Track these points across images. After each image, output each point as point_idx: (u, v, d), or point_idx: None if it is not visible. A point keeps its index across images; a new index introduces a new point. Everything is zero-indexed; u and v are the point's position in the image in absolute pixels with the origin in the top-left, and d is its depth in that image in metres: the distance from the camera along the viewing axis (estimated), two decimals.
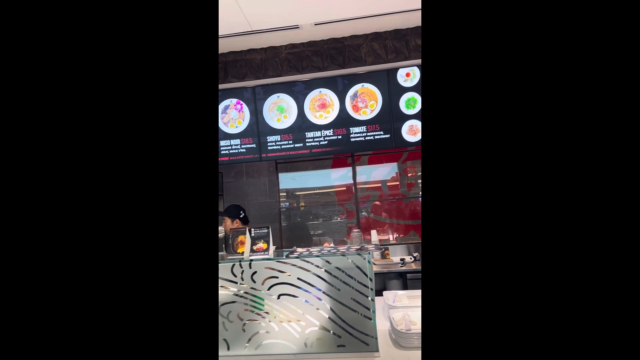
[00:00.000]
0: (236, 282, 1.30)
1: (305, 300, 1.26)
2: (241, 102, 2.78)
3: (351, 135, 2.68)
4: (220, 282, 1.31)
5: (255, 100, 2.76)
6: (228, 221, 2.35)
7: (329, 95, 2.70)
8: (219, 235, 2.70)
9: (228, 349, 1.27)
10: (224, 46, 2.60)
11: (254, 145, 2.80)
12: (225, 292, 1.31)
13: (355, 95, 2.67)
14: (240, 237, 1.50)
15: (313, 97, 2.71)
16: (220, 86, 2.76)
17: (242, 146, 2.82)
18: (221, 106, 2.80)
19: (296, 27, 2.34)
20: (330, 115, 2.70)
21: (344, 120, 2.68)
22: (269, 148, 2.79)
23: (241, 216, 2.34)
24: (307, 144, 2.75)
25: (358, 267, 1.24)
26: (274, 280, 1.29)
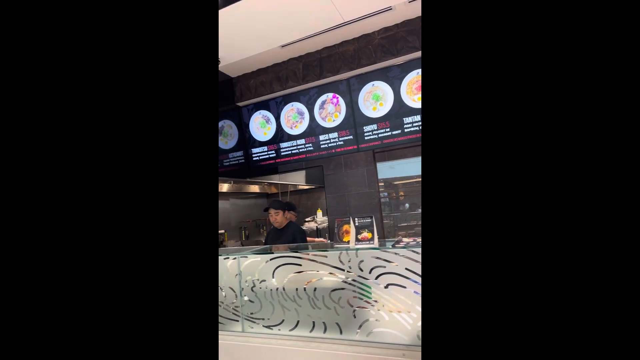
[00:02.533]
0: (343, 270, 1.35)
1: (415, 291, 1.22)
2: (337, 95, 2.84)
3: None
4: (329, 269, 1.38)
5: (350, 91, 2.78)
6: (280, 213, 2.50)
7: None
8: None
9: (341, 332, 1.33)
10: (318, 43, 2.69)
11: (351, 137, 2.83)
12: (334, 278, 1.37)
13: None
14: (345, 227, 1.54)
15: (410, 79, 2.57)
16: (316, 82, 2.87)
17: (340, 139, 2.88)
18: (318, 101, 2.92)
19: (389, 8, 2.24)
20: None
21: None
22: (366, 138, 2.77)
23: (287, 208, 2.54)
24: (406, 130, 2.62)
25: None
26: (381, 270, 1.28)
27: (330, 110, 2.89)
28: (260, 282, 1.45)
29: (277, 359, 1.32)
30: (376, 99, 2.70)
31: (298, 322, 1.38)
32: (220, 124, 3.27)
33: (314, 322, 1.37)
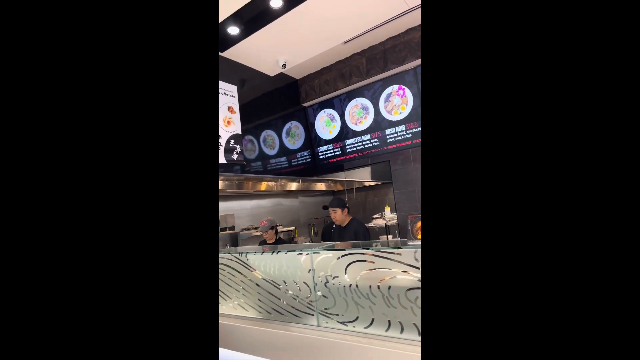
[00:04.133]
0: (419, 268, 1.28)
1: None
2: (403, 86, 2.72)
3: None
4: (403, 267, 1.32)
5: (417, 81, 2.63)
6: (339, 211, 2.43)
7: None
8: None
9: (419, 334, 1.26)
10: (381, 34, 2.61)
11: (419, 129, 2.69)
12: (409, 277, 1.31)
13: None
14: (419, 223, 1.47)
15: None
16: (381, 75, 2.79)
17: (408, 131, 2.75)
18: (383, 95, 2.84)
19: None
20: None
21: None
22: None
23: (347, 205, 2.48)
24: None
25: None
26: None
27: (397, 103, 2.78)
28: (333, 279, 1.47)
29: (353, 355, 1.32)
30: None
31: (373, 320, 1.36)
32: (288, 125, 3.41)
33: (389, 322, 1.33)
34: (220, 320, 1.69)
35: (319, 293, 1.53)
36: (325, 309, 1.50)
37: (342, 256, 1.48)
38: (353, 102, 3.02)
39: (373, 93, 2.89)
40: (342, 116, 3.11)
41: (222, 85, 2.48)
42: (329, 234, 3.04)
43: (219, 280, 1.80)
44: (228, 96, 2.52)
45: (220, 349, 1.66)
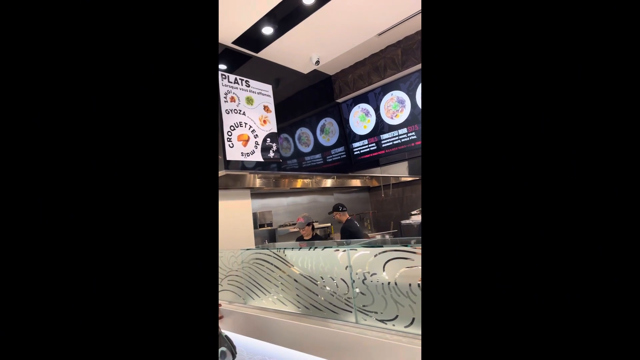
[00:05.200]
0: None
1: None
2: None
3: None
4: None
5: None
6: None
7: None
8: None
9: None
10: (417, 24, 2.51)
11: None
12: None
13: None
14: None
15: None
16: (418, 66, 2.69)
17: None
18: (421, 86, 2.73)
19: None
20: None
21: None
22: None
23: None
24: None
25: None
26: None
27: None
28: (371, 276, 1.44)
29: (393, 354, 1.29)
30: None
31: (413, 319, 1.31)
32: (322, 122, 3.41)
33: None
34: (260, 314, 1.73)
35: (357, 290, 1.51)
36: (364, 306, 1.48)
37: (379, 253, 1.45)
38: (388, 96, 2.94)
39: (409, 85, 2.79)
40: (377, 110, 3.05)
41: (258, 85, 2.54)
42: (348, 232, 2.90)
43: (259, 275, 1.85)
44: (264, 95, 2.57)
45: (259, 342, 1.71)
